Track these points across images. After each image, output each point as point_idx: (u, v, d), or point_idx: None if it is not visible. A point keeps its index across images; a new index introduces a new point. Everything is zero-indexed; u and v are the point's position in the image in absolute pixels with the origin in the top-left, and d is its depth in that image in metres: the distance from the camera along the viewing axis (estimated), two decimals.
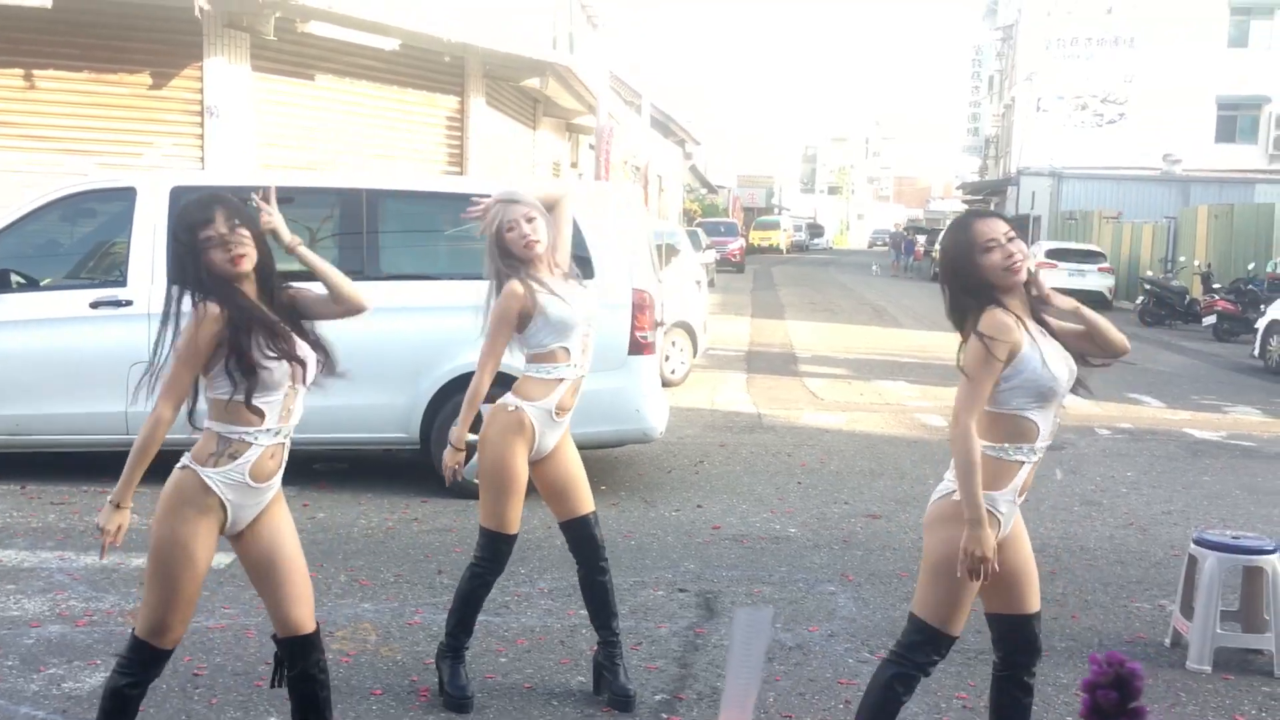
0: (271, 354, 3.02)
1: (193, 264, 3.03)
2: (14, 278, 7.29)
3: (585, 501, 4.18)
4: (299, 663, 3.26)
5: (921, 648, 3.13)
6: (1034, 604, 3.21)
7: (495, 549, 4.04)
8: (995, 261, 3.05)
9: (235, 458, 3.04)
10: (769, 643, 1.39)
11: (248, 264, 3.06)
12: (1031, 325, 3.12)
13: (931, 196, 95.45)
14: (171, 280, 3.14)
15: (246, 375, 2.99)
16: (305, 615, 3.23)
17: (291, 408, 3.12)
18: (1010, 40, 45.17)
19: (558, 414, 4.03)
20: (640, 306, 7.20)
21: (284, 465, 3.18)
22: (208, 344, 2.99)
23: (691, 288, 13.22)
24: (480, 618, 4.87)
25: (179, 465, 3.07)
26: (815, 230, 74.78)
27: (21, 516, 6.46)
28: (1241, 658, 4.78)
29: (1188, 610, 4.82)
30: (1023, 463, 3.10)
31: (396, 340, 7.06)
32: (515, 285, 3.93)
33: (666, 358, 11.98)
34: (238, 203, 3.10)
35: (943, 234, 3.19)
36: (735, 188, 66.49)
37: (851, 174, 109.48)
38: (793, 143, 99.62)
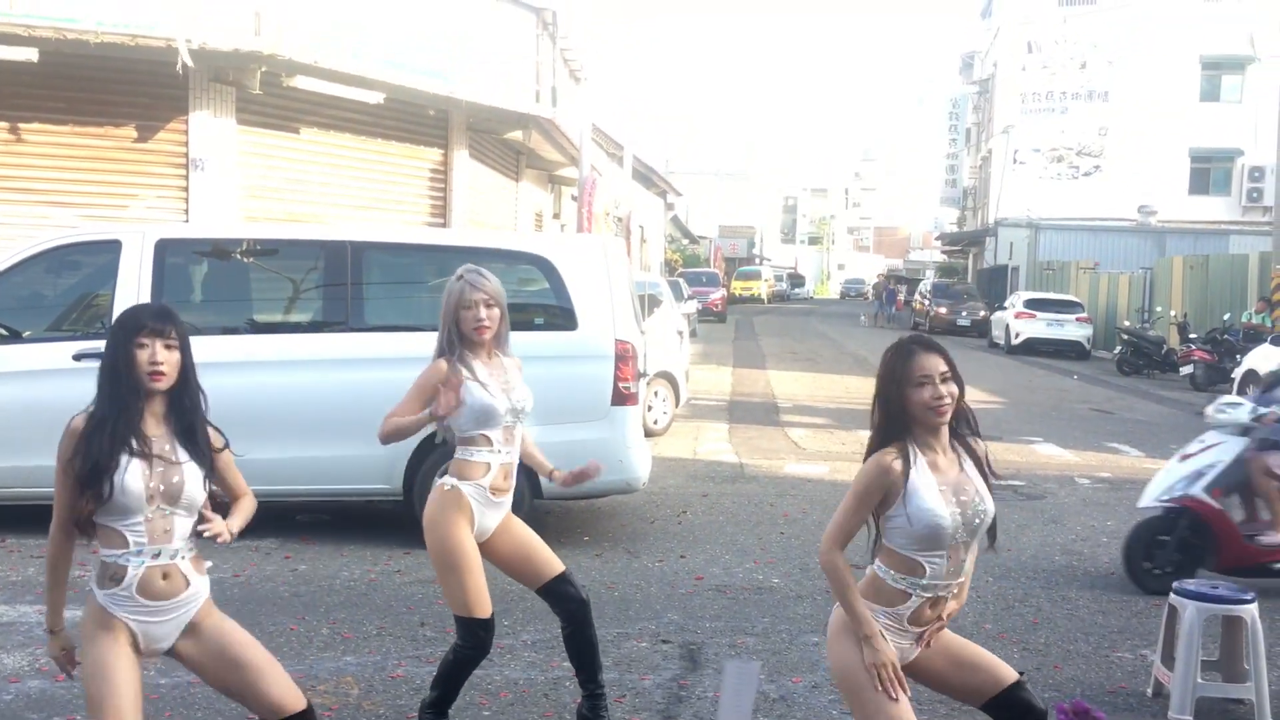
0: (114, 470, 2.96)
1: (124, 362, 3.02)
2: None
3: (551, 563, 4.21)
4: None
5: None
6: (1007, 676, 3.22)
7: (473, 635, 3.99)
8: (923, 399, 3.08)
9: (117, 581, 3.02)
10: (756, 694, 1.40)
11: (163, 384, 3.05)
12: (939, 461, 3.12)
13: (911, 247, 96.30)
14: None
15: (87, 487, 2.96)
16: (288, 692, 3.17)
17: (170, 529, 3.04)
18: (986, 94, 45.90)
19: (493, 494, 4.05)
20: (623, 357, 7.25)
21: (193, 581, 3.11)
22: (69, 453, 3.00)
23: (673, 338, 13.29)
24: None
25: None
26: (796, 280, 75.24)
27: (1, 571, 6.41)
28: (1223, 707, 4.81)
29: (1169, 660, 4.85)
30: (908, 593, 3.10)
31: (380, 391, 7.05)
32: (442, 364, 3.99)
33: (649, 408, 12.01)
34: (179, 321, 3.09)
35: (884, 356, 3.25)
36: (716, 238, 66.94)
37: (832, 224, 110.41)
38: (773, 194, 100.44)
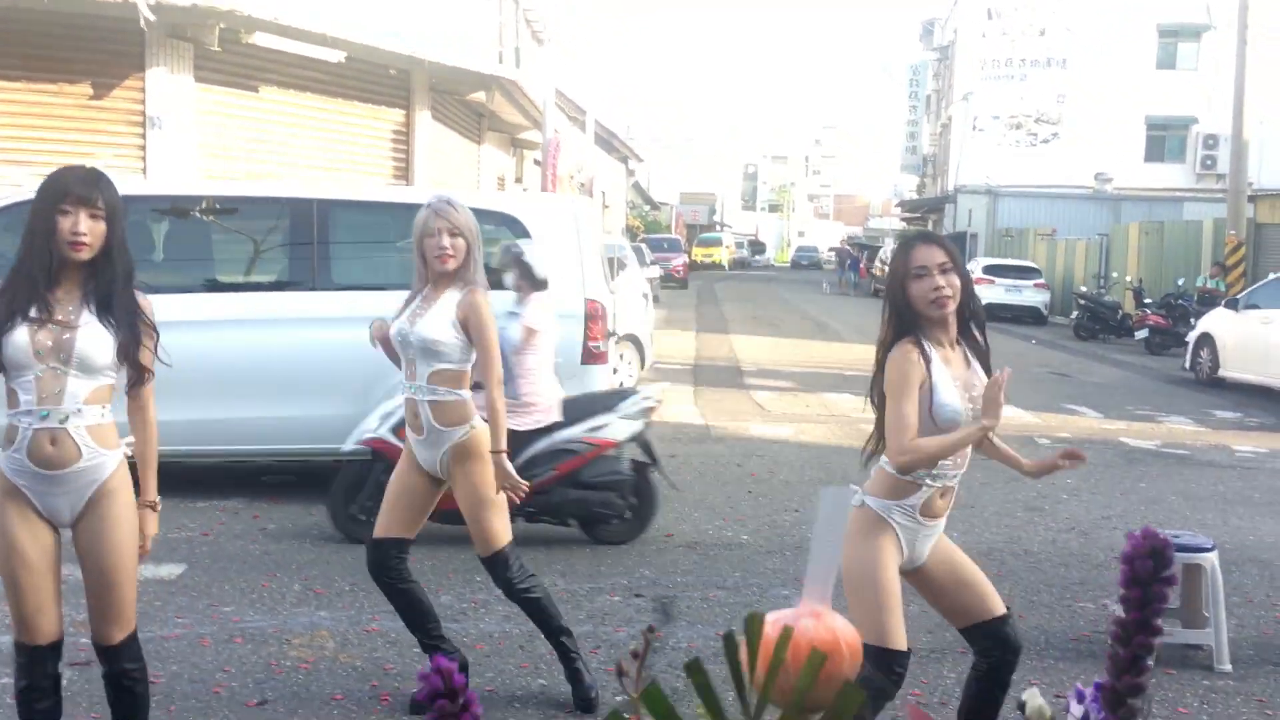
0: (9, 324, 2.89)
1: (42, 226, 2.92)
2: None
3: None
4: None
5: (873, 672, 3.04)
6: (997, 607, 3.28)
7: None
8: (922, 290, 3.11)
9: (12, 442, 2.96)
10: (847, 520, 1.47)
11: (85, 254, 2.93)
12: (949, 356, 3.17)
13: (871, 214, 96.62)
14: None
15: None
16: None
17: (61, 389, 2.92)
18: (946, 61, 46.02)
19: (414, 432, 4.05)
20: (593, 316, 7.26)
21: (87, 452, 2.97)
22: None
23: (639, 301, 13.30)
24: (513, 627, 4.89)
25: None
26: (757, 247, 75.39)
27: None
28: (1182, 653, 4.93)
29: None
30: (919, 485, 3.15)
31: (347, 351, 7.02)
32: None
33: (614, 370, 12.02)
34: (111, 190, 2.95)
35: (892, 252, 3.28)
36: (678, 204, 66.86)
37: (792, 192, 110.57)
38: (734, 161, 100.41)
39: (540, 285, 6.25)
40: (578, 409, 6.37)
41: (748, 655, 0.80)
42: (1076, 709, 1.04)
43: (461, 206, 4.02)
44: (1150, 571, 1.00)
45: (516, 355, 6.03)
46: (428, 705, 0.81)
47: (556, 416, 6.22)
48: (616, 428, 6.37)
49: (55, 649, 3.08)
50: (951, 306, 3.14)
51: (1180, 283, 22.38)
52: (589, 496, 6.31)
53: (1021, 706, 1.04)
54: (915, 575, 3.29)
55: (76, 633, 3.94)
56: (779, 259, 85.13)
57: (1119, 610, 1.03)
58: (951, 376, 3.14)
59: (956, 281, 3.13)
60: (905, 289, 3.14)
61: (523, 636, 4.90)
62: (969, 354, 3.25)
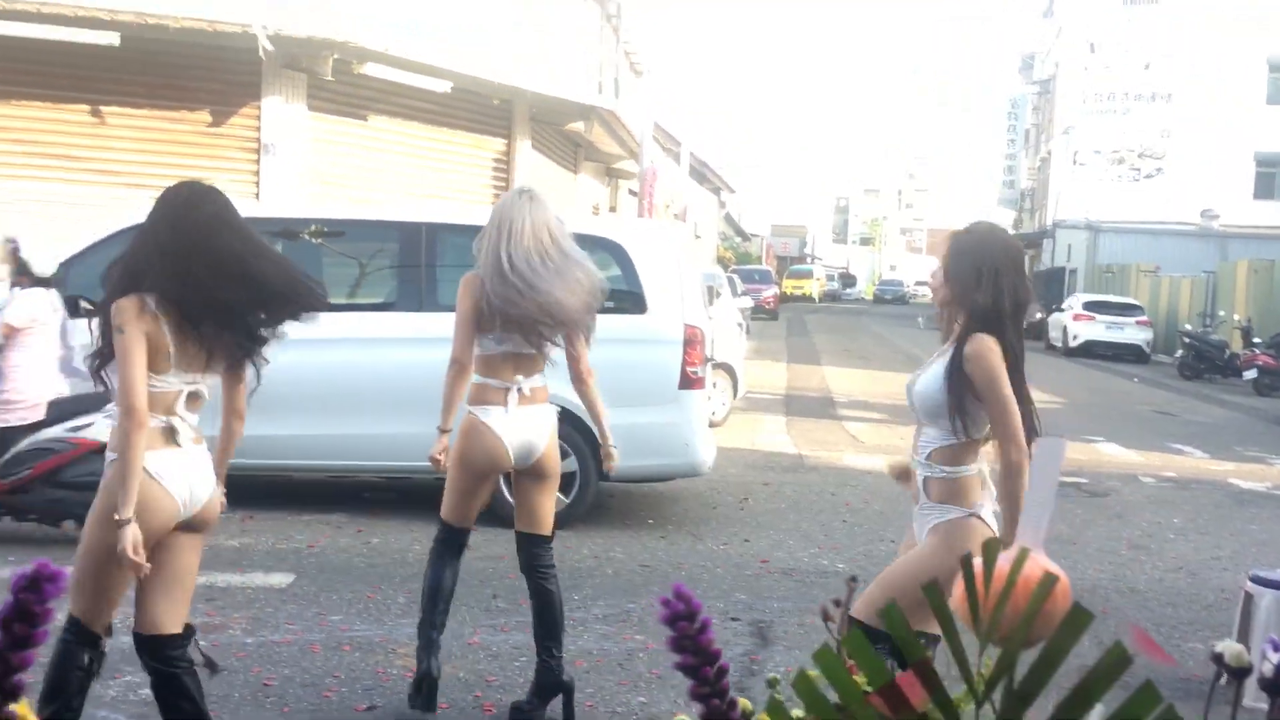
0: None
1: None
2: (83, 304, 7.50)
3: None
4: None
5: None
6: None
7: None
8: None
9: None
10: (1061, 469, 1.53)
11: None
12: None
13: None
14: None
15: None
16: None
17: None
18: (1047, 94, 45.39)
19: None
20: (691, 342, 7.31)
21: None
22: None
23: (733, 330, 13.33)
24: None
25: None
26: (848, 280, 74.90)
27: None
28: None
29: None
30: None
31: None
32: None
33: (708, 397, 12.06)
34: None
35: None
36: (769, 236, 66.81)
37: (884, 225, 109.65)
38: (825, 193, 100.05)
39: (42, 281, 6.30)
40: (66, 408, 6.33)
41: (983, 577, 0.85)
42: (1273, 655, 1.06)
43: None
44: None
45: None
46: (669, 627, 0.89)
47: (41, 415, 6.22)
48: (101, 427, 6.14)
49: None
50: (936, 301, 3.41)
51: None
52: (69, 496, 6.15)
53: (1218, 657, 1.07)
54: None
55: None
56: (869, 292, 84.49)
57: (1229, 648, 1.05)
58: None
59: (944, 286, 3.32)
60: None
61: (621, 654, 4.95)
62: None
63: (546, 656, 4.17)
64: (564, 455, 7.16)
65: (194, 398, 3.07)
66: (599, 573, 6.23)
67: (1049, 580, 0.87)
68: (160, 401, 2.99)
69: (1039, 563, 1.06)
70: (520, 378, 4.11)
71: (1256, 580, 4.85)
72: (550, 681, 4.14)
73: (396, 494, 8.22)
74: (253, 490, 7.82)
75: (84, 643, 3.07)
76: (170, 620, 3.11)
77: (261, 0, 11.66)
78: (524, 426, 4.10)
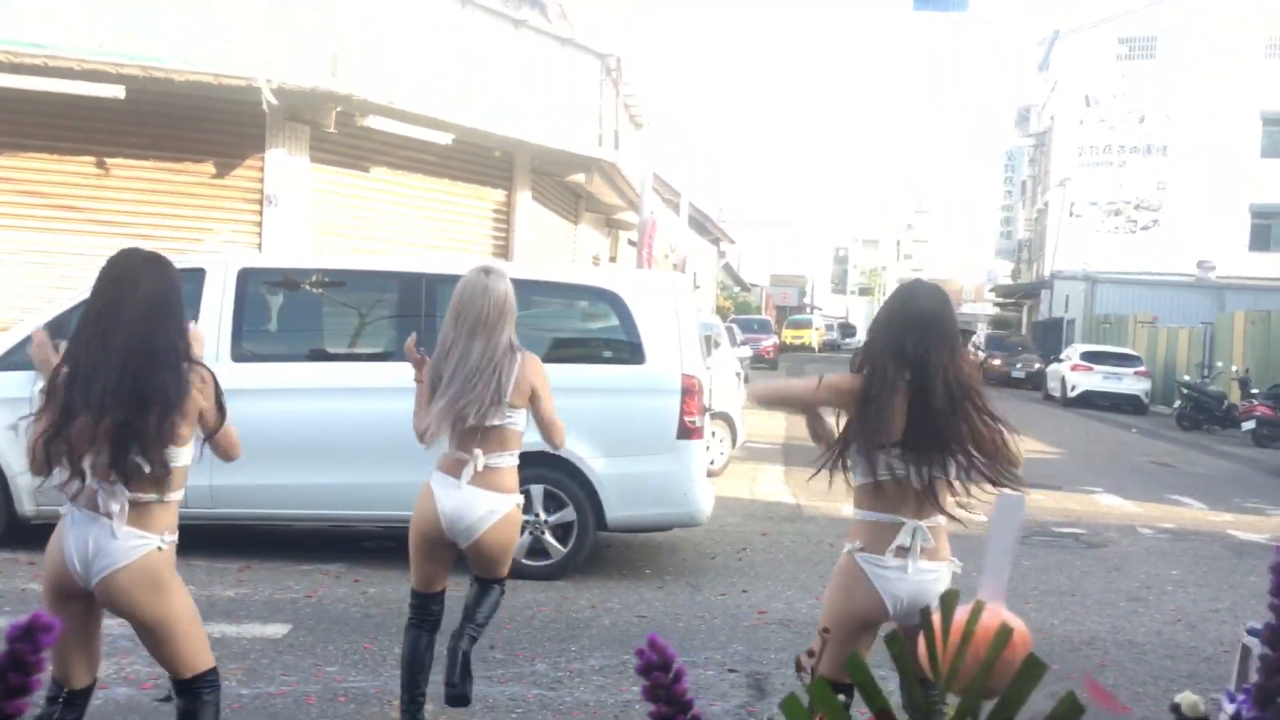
0: None
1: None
2: None
3: None
4: None
5: None
6: None
7: None
8: None
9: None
10: (1022, 524, 1.53)
11: None
12: None
13: (964, 299, 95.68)
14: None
15: None
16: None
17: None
18: (1043, 147, 45.80)
19: None
20: (690, 392, 7.35)
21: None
22: None
23: (731, 380, 13.37)
24: (534, 691, 4.96)
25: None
26: (847, 329, 75.01)
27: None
28: None
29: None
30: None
31: None
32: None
33: (707, 447, 12.07)
34: None
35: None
36: (768, 286, 67.06)
37: (883, 275, 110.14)
38: (824, 243, 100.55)
39: None
40: None
41: (941, 629, 0.88)
42: (1229, 706, 1.08)
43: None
44: None
45: None
46: (644, 676, 0.91)
47: None
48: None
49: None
50: None
51: None
52: None
53: (1175, 708, 1.09)
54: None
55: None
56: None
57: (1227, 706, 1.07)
58: None
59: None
60: None
61: (618, 706, 4.93)
62: None
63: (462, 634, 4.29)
64: (561, 505, 7.23)
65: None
66: (595, 624, 6.21)
67: (1005, 631, 0.90)
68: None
69: (997, 614, 1.09)
70: (478, 451, 4.13)
71: (1253, 633, 4.84)
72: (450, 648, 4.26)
73: (395, 543, 8.18)
74: (250, 540, 7.82)
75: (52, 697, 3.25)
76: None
77: (266, 53, 11.82)
78: (464, 502, 4.12)
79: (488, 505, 4.13)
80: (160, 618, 3.19)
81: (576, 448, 6.98)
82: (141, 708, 4.67)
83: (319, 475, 7.30)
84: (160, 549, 3.17)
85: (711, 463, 12.34)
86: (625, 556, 8.03)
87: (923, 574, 3.27)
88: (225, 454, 3.37)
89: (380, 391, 7.48)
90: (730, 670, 5.55)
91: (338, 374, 7.66)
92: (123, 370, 3.08)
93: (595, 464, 7.15)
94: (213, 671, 3.31)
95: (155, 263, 3.27)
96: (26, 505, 7.22)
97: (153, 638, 3.23)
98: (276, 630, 5.86)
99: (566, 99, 16.19)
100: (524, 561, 7.03)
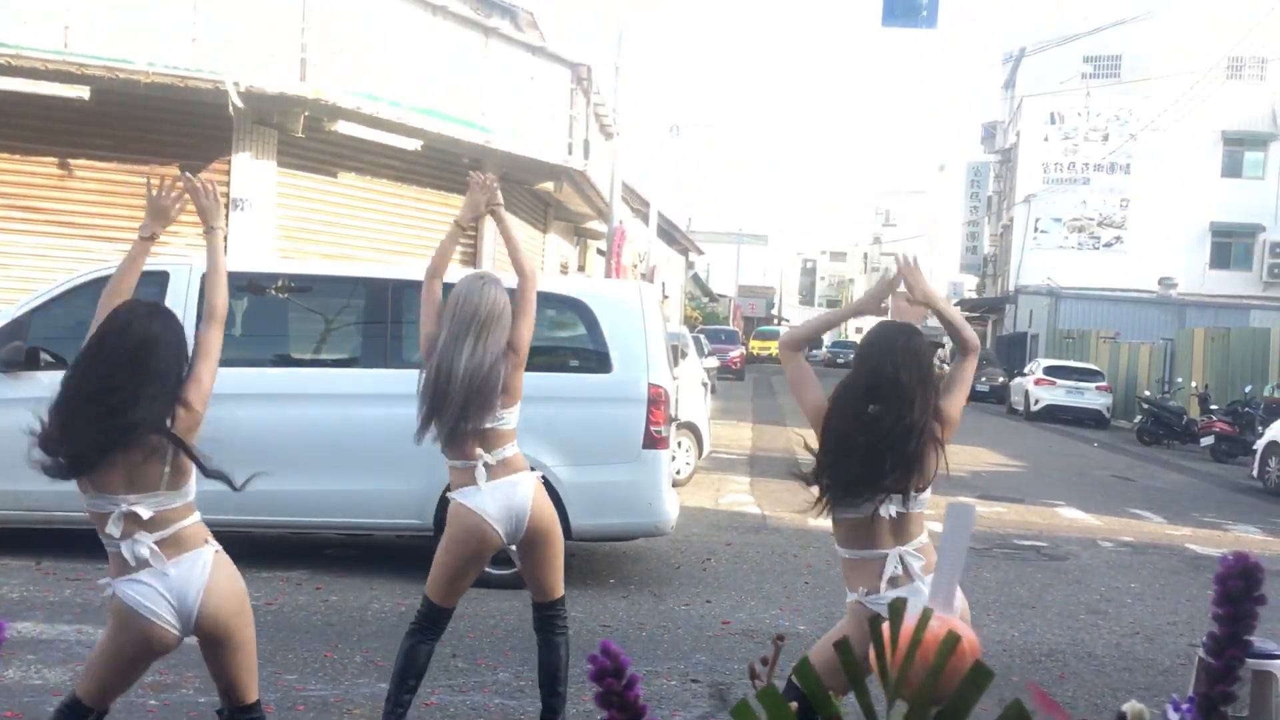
0: None
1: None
2: (43, 356, 7.45)
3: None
4: None
5: None
6: None
7: None
8: None
9: None
10: (972, 534, 1.55)
11: None
12: None
13: (928, 313, 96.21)
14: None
15: None
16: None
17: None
18: (1008, 163, 46.26)
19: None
20: (656, 401, 7.35)
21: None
22: None
23: (698, 390, 13.39)
24: (495, 700, 4.93)
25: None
26: (814, 341, 75.34)
27: (38, 591, 6.52)
28: None
29: None
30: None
31: (413, 427, 7.19)
32: None
33: (673, 457, 12.07)
34: None
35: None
36: (736, 297, 67.29)
37: (850, 288, 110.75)
38: (792, 255, 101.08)
39: None
40: None
41: (890, 637, 0.89)
42: (1173, 716, 1.10)
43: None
44: (1242, 590, 1.06)
45: None
46: (596, 683, 0.91)
47: None
48: None
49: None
50: None
51: (1248, 390, 22.03)
52: None
53: (1121, 717, 1.10)
54: None
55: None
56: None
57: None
58: None
59: None
60: None
61: (579, 716, 4.91)
62: None
63: (549, 714, 4.20)
64: None
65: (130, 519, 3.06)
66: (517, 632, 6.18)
67: (952, 639, 0.92)
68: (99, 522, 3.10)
69: (944, 622, 1.10)
70: (481, 451, 4.13)
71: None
72: None
73: (358, 550, 8.15)
74: None
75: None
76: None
77: (234, 57, 11.75)
78: (503, 496, 4.11)
79: (518, 486, 4.14)
80: (247, 628, 3.18)
81: (541, 456, 6.96)
82: (141, 711, 4.60)
83: (282, 481, 7.22)
84: (217, 552, 3.15)
85: (677, 473, 12.36)
86: (589, 566, 8.02)
87: None
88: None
89: (346, 398, 7.44)
90: (693, 680, 5.55)
91: (303, 380, 7.61)
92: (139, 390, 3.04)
93: (560, 472, 7.13)
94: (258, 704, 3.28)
95: (164, 315, 3.21)
96: None
97: (239, 650, 3.17)
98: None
99: (536, 107, 16.20)
100: (488, 570, 7.00)
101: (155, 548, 3.04)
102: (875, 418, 3.27)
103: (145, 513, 3.03)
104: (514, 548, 4.28)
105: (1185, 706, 1.09)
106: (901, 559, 3.33)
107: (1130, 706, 1.11)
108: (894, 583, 3.32)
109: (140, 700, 4.69)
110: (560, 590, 4.27)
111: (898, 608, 0.93)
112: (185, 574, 3.06)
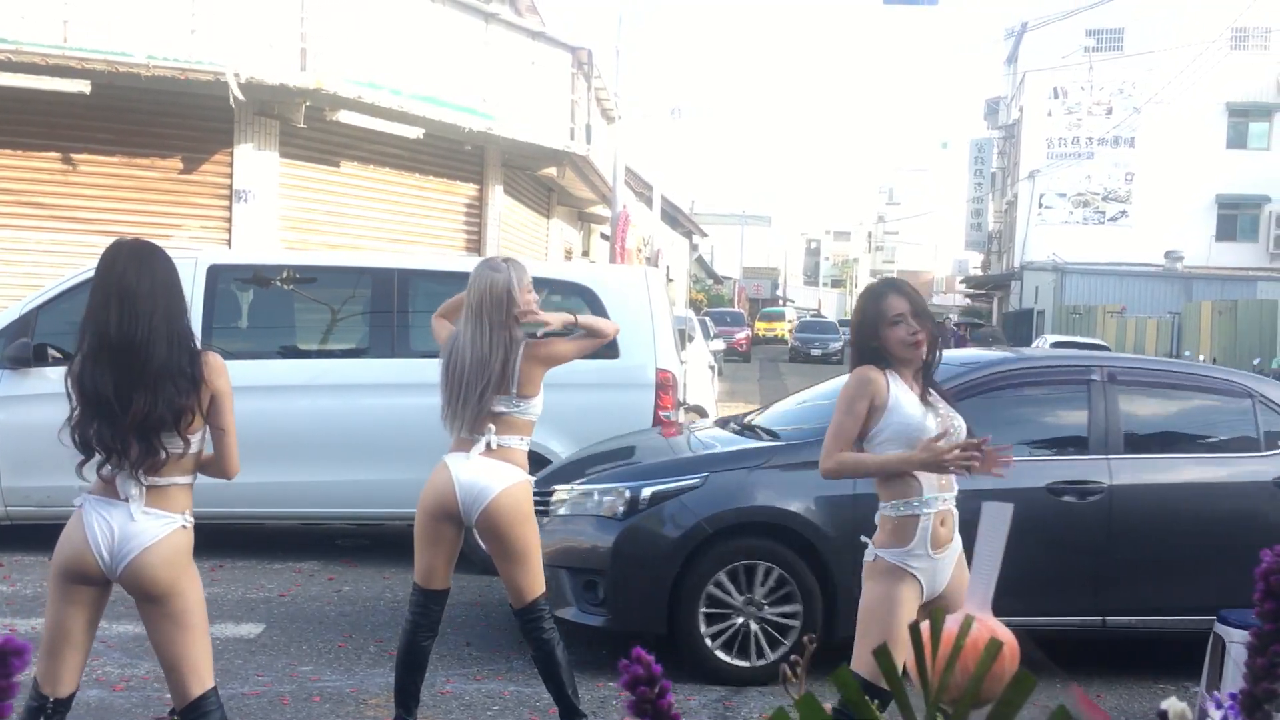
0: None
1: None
2: (51, 352, 7.45)
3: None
4: None
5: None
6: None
7: None
8: (900, 335, 3.40)
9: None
10: (1008, 533, 1.55)
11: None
12: (912, 387, 3.43)
13: (934, 290, 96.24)
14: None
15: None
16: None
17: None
18: (1012, 139, 46.07)
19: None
20: (664, 386, 7.35)
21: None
22: None
23: (705, 373, 13.38)
24: (510, 688, 4.94)
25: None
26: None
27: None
28: None
29: (1214, 690, 4.86)
30: (917, 515, 3.34)
31: (423, 416, 7.17)
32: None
33: None
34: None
35: (856, 301, 3.46)
36: (740, 279, 67.19)
37: (855, 267, 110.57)
38: (795, 236, 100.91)
39: None
40: None
41: (930, 644, 0.87)
42: (1215, 713, 1.08)
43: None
44: None
45: None
46: (629, 691, 0.89)
47: None
48: None
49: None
50: (924, 350, 3.44)
51: (1256, 362, 21.96)
52: None
53: (1163, 715, 1.09)
54: (938, 602, 3.43)
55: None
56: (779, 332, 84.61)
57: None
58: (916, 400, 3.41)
59: (929, 326, 3.44)
60: (881, 334, 3.42)
61: (594, 702, 4.92)
62: (930, 393, 3.47)
63: (568, 716, 4.18)
64: None
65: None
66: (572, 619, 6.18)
67: (995, 645, 0.90)
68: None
69: (986, 626, 1.08)
70: (491, 427, 4.11)
71: (1225, 622, 4.88)
72: None
73: (369, 541, 8.17)
74: (223, 539, 7.75)
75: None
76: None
77: (234, 48, 11.71)
78: (477, 470, 4.08)
79: (499, 473, 4.03)
80: (185, 605, 3.12)
81: (550, 442, 6.97)
82: (114, 710, 4.62)
83: (292, 473, 7.25)
84: (184, 527, 3.14)
85: None
86: None
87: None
88: (224, 464, 3.30)
89: (353, 388, 7.44)
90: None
91: (310, 370, 7.61)
92: (147, 354, 3.05)
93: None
94: (214, 691, 3.24)
95: (157, 250, 3.23)
96: None
97: (176, 624, 3.11)
98: (250, 630, 5.81)
99: (537, 93, 16.14)
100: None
101: (144, 490, 3.08)
102: None
103: (169, 450, 3.11)
104: (477, 534, 4.23)
105: (1229, 705, 1.08)
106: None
107: (1171, 704, 1.09)
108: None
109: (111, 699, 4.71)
110: (534, 593, 4.11)
111: (939, 613, 0.91)
112: (142, 526, 3.07)
